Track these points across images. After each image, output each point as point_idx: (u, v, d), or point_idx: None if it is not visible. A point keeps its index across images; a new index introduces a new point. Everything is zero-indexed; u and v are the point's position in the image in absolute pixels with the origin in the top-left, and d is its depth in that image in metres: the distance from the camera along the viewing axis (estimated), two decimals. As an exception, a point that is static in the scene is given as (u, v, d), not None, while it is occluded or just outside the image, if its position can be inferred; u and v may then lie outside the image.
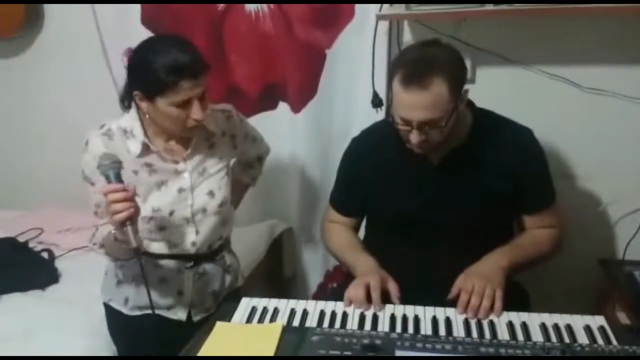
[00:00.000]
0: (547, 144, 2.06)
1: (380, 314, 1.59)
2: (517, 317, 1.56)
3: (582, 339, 1.47)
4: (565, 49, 2.22)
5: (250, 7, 2.48)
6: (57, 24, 2.79)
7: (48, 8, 2.78)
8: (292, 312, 1.60)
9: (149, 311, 1.88)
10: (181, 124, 1.67)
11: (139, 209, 1.59)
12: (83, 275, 2.27)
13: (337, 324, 1.54)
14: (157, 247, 1.82)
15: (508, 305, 1.59)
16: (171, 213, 1.77)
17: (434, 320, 1.55)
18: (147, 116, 1.72)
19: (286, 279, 2.82)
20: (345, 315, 1.59)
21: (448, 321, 1.55)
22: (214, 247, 1.93)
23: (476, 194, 1.79)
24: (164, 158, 1.77)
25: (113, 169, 1.56)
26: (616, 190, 2.32)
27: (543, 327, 1.51)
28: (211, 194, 1.84)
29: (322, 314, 1.59)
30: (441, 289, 1.65)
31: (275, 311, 1.61)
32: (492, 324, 1.54)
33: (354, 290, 1.63)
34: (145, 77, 1.63)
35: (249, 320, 1.59)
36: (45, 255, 2.48)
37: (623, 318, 2.04)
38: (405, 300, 1.64)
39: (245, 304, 1.66)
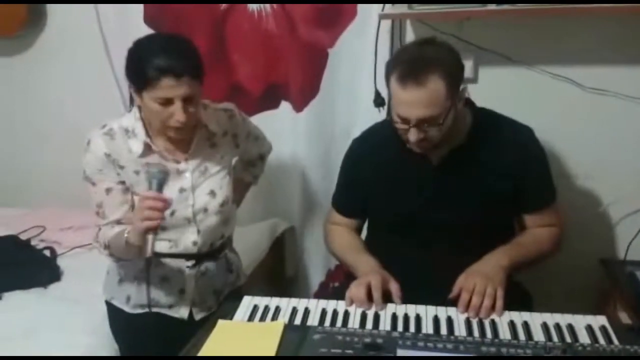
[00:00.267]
0: (550, 144, 2.07)
1: (381, 313, 1.59)
2: (518, 317, 1.56)
3: (584, 338, 1.47)
4: (567, 49, 2.22)
5: (253, 7, 2.48)
6: (59, 23, 2.79)
7: (50, 7, 2.79)
8: (294, 311, 1.60)
9: (151, 309, 1.89)
10: (163, 122, 1.66)
11: (164, 221, 1.61)
12: (85, 273, 2.27)
13: (339, 323, 1.54)
14: (159, 246, 1.81)
15: (510, 306, 1.59)
16: (172, 213, 1.76)
17: (436, 320, 1.55)
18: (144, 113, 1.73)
19: (288, 277, 2.83)
20: (346, 314, 1.59)
21: (450, 320, 1.55)
22: (216, 246, 1.93)
23: (476, 194, 1.79)
24: (166, 158, 1.77)
25: (158, 178, 1.59)
26: (618, 190, 2.32)
27: (544, 326, 1.51)
28: (212, 193, 1.84)
29: (323, 312, 1.59)
30: (442, 289, 1.65)
31: (277, 310, 1.61)
32: (493, 324, 1.54)
33: (356, 289, 1.63)
34: (134, 69, 1.65)
35: (251, 318, 1.59)
36: (47, 253, 2.48)
37: (624, 318, 2.04)
38: (406, 300, 1.64)
39: (247, 302, 1.66)
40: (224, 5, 2.50)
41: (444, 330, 1.50)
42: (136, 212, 1.62)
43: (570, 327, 1.51)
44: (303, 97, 2.54)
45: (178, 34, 1.76)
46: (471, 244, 1.76)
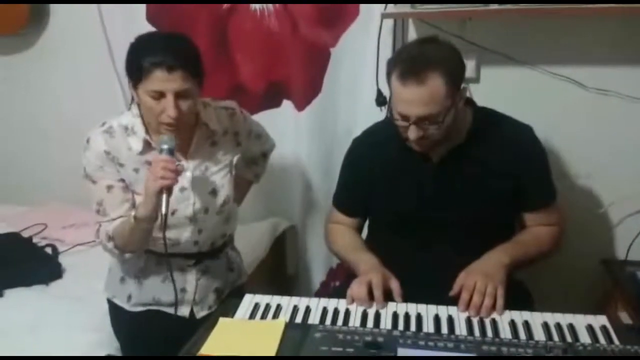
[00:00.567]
0: (551, 144, 2.07)
1: (382, 311, 1.59)
2: (519, 316, 1.56)
3: (584, 338, 1.47)
4: (569, 49, 2.22)
5: (256, 6, 2.48)
6: (62, 21, 2.79)
7: (53, 5, 2.79)
8: (295, 309, 1.60)
9: (152, 307, 1.90)
10: (155, 116, 1.67)
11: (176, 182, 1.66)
12: (86, 270, 2.28)
13: (340, 322, 1.55)
14: (159, 246, 1.82)
15: (511, 305, 1.59)
16: (173, 212, 1.76)
17: (436, 319, 1.55)
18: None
19: (289, 276, 2.83)
20: (347, 312, 1.59)
21: (450, 319, 1.55)
22: (217, 245, 1.93)
23: (476, 192, 1.80)
24: None
25: (169, 144, 1.65)
26: (619, 191, 2.32)
27: (545, 326, 1.51)
28: (214, 192, 1.84)
29: (324, 311, 1.59)
30: (442, 288, 1.65)
31: (278, 308, 1.61)
32: (494, 323, 1.54)
33: (357, 288, 1.63)
34: (131, 62, 1.66)
35: (252, 316, 1.59)
36: (49, 250, 2.49)
37: (625, 318, 2.04)
38: (406, 298, 1.64)
39: (248, 300, 1.66)
40: (226, 5, 2.51)
41: (444, 330, 1.51)
42: (150, 174, 1.64)
43: (571, 327, 1.51)
44: (305, 96, 2.54)
45: (179, 33, 1.77)
46: (471, 242, 1.76)
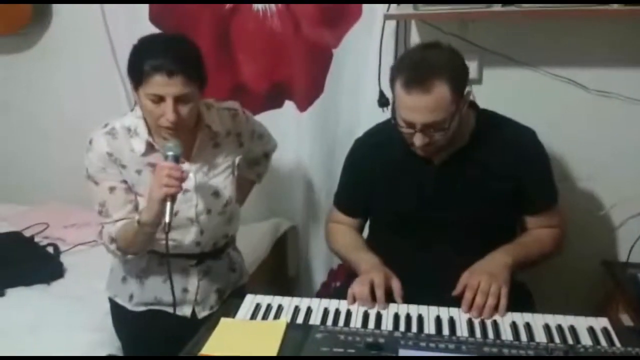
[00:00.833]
0: (553, 146, 2.07)
1: (383, 312, 1.59)
2: (520, 318, 1.56)
3: (586, 340, 1.47)
4: (571, 51, 2.22)
5: (258, 6, 2.48)
6: (64, 21, 2.79)
7: (56, 5, 2.79)
8: (296, 310, 1.61)
9: (154, 307, 1.90)
10: (155, 120, 1.66)
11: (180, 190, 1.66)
12: (88, 270, 2.28)
13: (341, 322, 1.55)
14: (161, 246, 1.82)
15: (512, 307, 1.59)
16: (175, 213, 1.74)
17: (438, 320, 1.55)
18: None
19: (290, 277, 2.83)
20: (349, 313, 1.59)
21: (452, 321, 1.55)
22: (219, 245, 1.93)
23: (477, 194, 1.79)
24: None
25: (174, 151, 1.65)
26: (621, 193, 2.32)
27: (546, 328, 1.51)
28: (216, 194, 1.84)
29: (326, 311, 1.59)
30: (442, 288, 1.66)
31: (279, 308, 1.62)
32: (495, 324, 1.54)
33: (358, 287, 1.64)
34: (132, 64, 1.66)
35: (253, 317, 1.59)
36: (50, 250, 2.49)
37: (626, 320, 2.04)
38: (406, 299, 1.64)
39: (250, 301, 1.66)
40: (229, 5, 2.51)
41: (446, 331, 1.51)
42: (154, 181, 1.64)
43: (572, 329, 1.51)
44: (307, 96, 2.54)
45: (182, 35, 1.76)
46: (471, 242, 1.76)
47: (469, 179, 1.80)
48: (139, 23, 2.55)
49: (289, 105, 2.60)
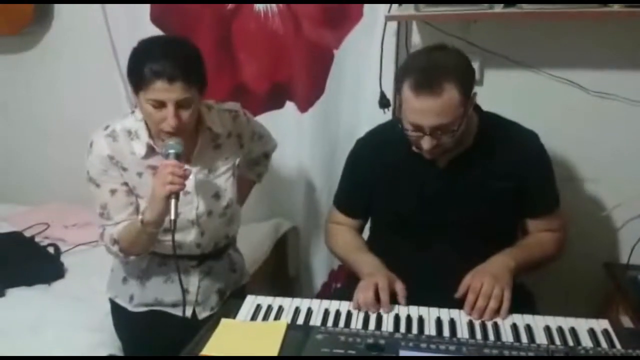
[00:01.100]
0: (554, 147, 2.06)
1: (384, 314, 1.59)
2: (521, 320, 1.56)
3: (586, 342, 1.47)
4: (572, 52, 2.22)
5: (259, 7, 2.48)
6: (66, 21, 2.80)
7: (57, 5, 2.79)
8: (297, 311, 1.61)
9: (154, 308, 1.90)
10: (156, 124, 1.66)
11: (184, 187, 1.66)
12: (89, 270, 2.29)
13: (342, 323, 1.55)
14: (162, 247, 1.82)
15: (513, 308, 1.59)
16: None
17: (438, 321, 1.55)
18: None
19: (290, 278, 2.83)
20: (349, 314, 1.59)
21: (452, 322, 1.55)
22: (220, 246, 1.93)
23: (479, 196, 1.79)
24: None
25: (176, 149, 1.65)
26: (622, 194, 2.32)
27: (547, 329, 1.51)
28: (217, 196, 1.84)
29: (326, 312, 1.60)
30: (442, 289, 1.65)
31: (280, 309, 1.62)
32: (496, 326, 1.54)
33: (363, 294, 1.62)
34: (132, 68, 1.65)
35: (254, 318, 1.59)
36: (51, 250, 2.49)
37: (627, 322, 2.03)
38: (408, 301, 1.64)
39: (250, 301, 1.66)
40: (230, 5, 2.51)
41: (446, 332, 1.51)
42: (157, 179, 1.64)
43: (573, 331, 1.51)
44: (308, 97, 2.54)
45: (183, 38, 1.76)
46: (472, 243, 1.77)
47: (470, 179, 1.80)
48: (140, 23, 2.55)
49: (289, 106, 2.60)
